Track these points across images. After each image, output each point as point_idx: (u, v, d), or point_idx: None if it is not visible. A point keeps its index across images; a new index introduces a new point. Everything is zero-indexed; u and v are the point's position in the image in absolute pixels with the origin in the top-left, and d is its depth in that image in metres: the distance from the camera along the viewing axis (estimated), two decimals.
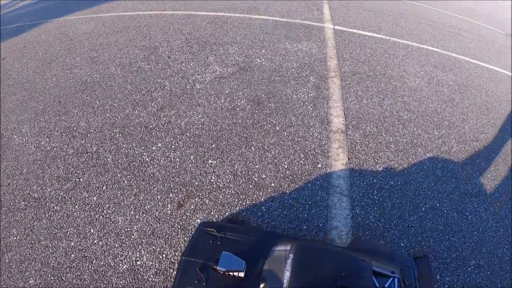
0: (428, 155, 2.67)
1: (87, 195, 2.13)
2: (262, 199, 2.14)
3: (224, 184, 2.21)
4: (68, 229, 1.95)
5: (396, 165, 2.50)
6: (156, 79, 3.32)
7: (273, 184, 2.25)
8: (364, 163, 2.46)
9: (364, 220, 2.11)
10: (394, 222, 2.13)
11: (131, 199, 2.07)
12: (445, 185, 2.47)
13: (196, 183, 2.21)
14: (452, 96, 3.74)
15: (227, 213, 2.04)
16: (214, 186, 2.19)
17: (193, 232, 1.83)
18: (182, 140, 2.52)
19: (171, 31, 4.52)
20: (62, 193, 2.17)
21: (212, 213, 2.02)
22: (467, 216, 2.31)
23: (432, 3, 10.42)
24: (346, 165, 2.40)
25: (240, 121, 2.75)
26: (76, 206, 2.07)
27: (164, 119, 2.74)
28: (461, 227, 2.22)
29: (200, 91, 3.11)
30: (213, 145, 2.49)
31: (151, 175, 2.26)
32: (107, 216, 2.00)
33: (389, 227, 2.09)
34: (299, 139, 2.63)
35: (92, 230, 1.92)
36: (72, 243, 1.85)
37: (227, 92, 3.12)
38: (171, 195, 2.11)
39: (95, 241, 1.86)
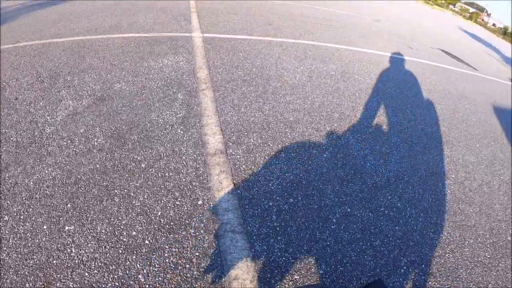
0: (325, 155, 2.63)
1: None
2: (138, 265, 1.84)
3: (88, 256, 1.88)
4: None
5: (292, 177, 2.37)
6: (1, 130, 2.83)
7: (147, 242, 1.95)
8: (254, 184, 2.27)
9: (269, 257, 1.88)
10: (306, 247, 1.96)
11: None
12: (352, 185, 2.44)
13: (55, 262, 1.85)
14: (336, 86, 3.92)
15: None
16: (77, 261, 1.86)
17: None
18: (31, 206, 2.15)
19: (21, 66, 4.06)
20: None
21: None
22: (384, 212, 2.31)
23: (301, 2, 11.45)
24: (232, 193, 2.17)
25: (98, 165, 2.45)
26: None
27: (10, 181, 2.35)
28: (380, 227, 2.19)
29: (51, 136, 2.78)
30: (69, 205, 2.16)
31: (2, 262, 1.86)
32: None
33: (300, 256, 1.90)
34: (171, 173, 2.34)
35: None
36: None
37: (81, 131, 2.81)
38: (27, 285, 1.77)
39: None
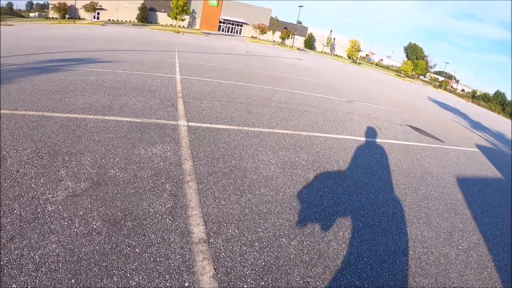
0: (293, 243, 3.20)
1: None
2: None
3: None
4: None
5: (263, 263, 2.91)
6: (4, 201, 3.14)
7: None
8: (232, 270, 2.79)
9: None
10: None
11: None
12: (315, 268, 2.98)
13: None
14: (306, 177, 4.62)
15: None
16: None
17: None
18: (38, 278, 2.41)
19: (21, 137, 4.45)
20: None
21: None
22: None
23: (279, 86, 12.70)
24: (213, 277, 2.68)
25: (97, 247, 2.79)
26: None
27: (16, 252, 2.60)
28: None
29: (52, 215, 3.08)
30: (73, 281, 2.44)
31: None
32: None
33: None
34: (161, 259, 2.81)
35: None
36: None
37: (81, 213, 3.14)
38: None
39: None
